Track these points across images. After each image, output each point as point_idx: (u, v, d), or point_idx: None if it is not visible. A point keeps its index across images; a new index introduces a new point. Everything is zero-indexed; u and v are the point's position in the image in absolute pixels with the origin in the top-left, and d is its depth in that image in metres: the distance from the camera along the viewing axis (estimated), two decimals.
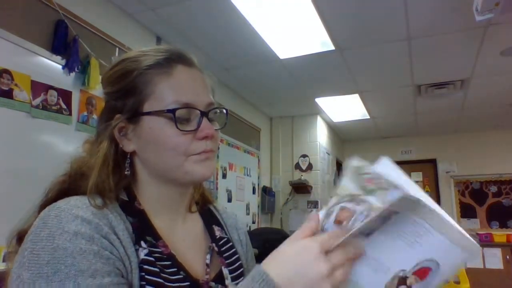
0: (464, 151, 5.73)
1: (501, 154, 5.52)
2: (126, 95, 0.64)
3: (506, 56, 3.25)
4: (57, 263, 0.50)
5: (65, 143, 1.99)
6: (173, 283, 0.59)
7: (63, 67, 2.05)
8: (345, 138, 6.39)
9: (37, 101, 1.90)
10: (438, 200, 5.67)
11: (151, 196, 0.66)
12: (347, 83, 3.93)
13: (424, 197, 0.48)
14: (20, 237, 0.58)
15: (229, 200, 3.91)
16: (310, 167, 4.96)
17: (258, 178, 4.65)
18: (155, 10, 2.60)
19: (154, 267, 0.58)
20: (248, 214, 4.32)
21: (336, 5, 2.54)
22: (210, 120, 0.65)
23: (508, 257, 5.07)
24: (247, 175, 4.36)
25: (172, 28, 2.82)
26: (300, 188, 4.83)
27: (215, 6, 2.53)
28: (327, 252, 0.48)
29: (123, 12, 2.61)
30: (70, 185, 0.62)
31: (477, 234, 5.25)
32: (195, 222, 0.74)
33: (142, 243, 0.60)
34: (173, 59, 0.65)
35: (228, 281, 0.67)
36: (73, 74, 2.10)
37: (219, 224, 0.78)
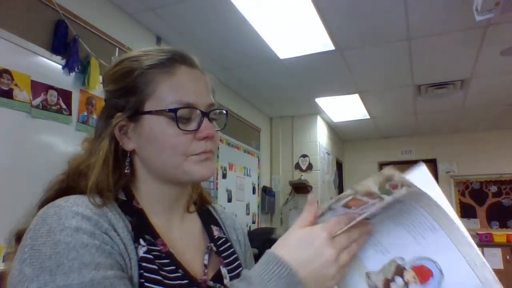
0: (464, 151, 5.73)
1: (501, 154, 5.53)
2: (128, 93, 0.64)
3: (506, 56, 3.25)
4: (60, 257, 0.50)
5: (65, 143, 1.99)
6: (172, 281, 0.59)
7: (63, 67, 2.05)
8: (345, 138, 6.39)
9: (37, 101, 1.90)
10: None
11: (150, 195, 0.67)
12: (347, 83, 3.93)
13: (449, 211, 0.49)
14: (19, 236, 0.58)
15: (229, 200, 3.91)
16: (310, 167, 4.97)
17: (258, 178, 4.65)
18: (155, 10, 2.60)
19: (153, 264, 0.59)
20: (248, 214, 4.32)
21: (336, 5, 2.54)
22: (210, 121, 0.66)
23: (508, 257, 5.07)
24: (247, 175, 4.36)
25: (172, 28, 2.82)
26: (300, 188, 4.83)
27: (215, 6, 2.53)
28: (333, 238, 0.52)
29: (123, 12, 2.61)
30: (69, 184, 0.63)
31: (477, 234, 5.25)
32: (193, 222, 0.74)
33: (141, 241, 0.60)
34: (176, 60, 0.66)
35: (226, 280, 0.67)
36: (73, 74, 2.10)
37: (217, 224, 0.78)
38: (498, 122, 5.26)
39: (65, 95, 2.05)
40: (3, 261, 1.58)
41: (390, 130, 5.79)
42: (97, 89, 2.19)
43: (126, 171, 0.65)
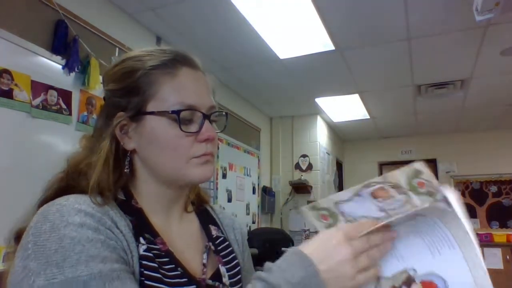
0: (464, 151, 5.73)
1: (501, 154, 5.53)
2: (130, 93, 0.64)
3: (506, 56, 3.25)
4: (66, 251, 0.50)
5: (65, 143, 1.99)
6: (171, 279, 0.59)
7: (63, 67, 2.05)
8: (345, 138, 6.39)
9: (37, 101, 1.90)
10: None
11: (149, 195, 0.67)
12: (347, 83, 3.93)
13: (469, 232, 0.50)
14: (18, 236, 0.58)
15: (229, 200, 3.91)
16: (310, 167, 4.97)
17: (258, 178, 4.65)
18: (155, 10, 2.60)
19: (153, 263, 0.59)
20: (248, 214, 4.32)
21: (336, 5, 2.54)
22: (210, 123, 0.66)
23: (508, 257, 5.07)
24: (247, 175, 4.36)
25: (172, 28, 2.82)
26: (300, 188, 4.83)
27: (215, 6, 2.53)
28: (352, 239, 0.53)
29: (123, 12, 2.61)
30: (68, 183, 0.63)
31: (477, 234, 5.25)
32: (191, 222, 0.75)
33: (141, 240, 0.60)
34: (179, 61, 0.66)
35: (225, 279, 0.68)
36: (73, 74, 2.10)
37: (215, 224, 0.78)
38: (498, 122, 5.26)
39: (65, 95, 2.05)
40: (3, 261, 1.58)
41: (390, 130, 5.79)
42: (97, 89, 2.19)
43: (126, 170, 0.65)
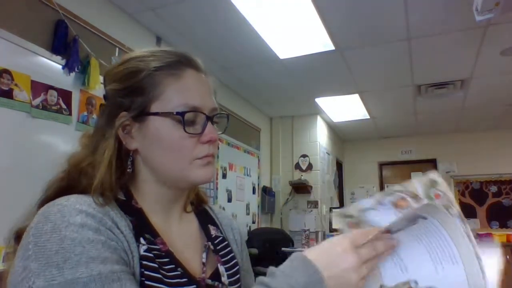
0: (464, 151, 5.73)
1: (501, 154, 5.53)
2: (134, 93, 0.64)
3: (506, 56, 3.25)
4: (66, 252, 0.50)
5: (65, 143, 1.99)
6: (172, 279, 0.60)
7: (63, 67, 2.05)
8: (345, 138, 6.39)
9: (37, 101, 1.90)
10: None
11: (150, 195, 0.67)
12: (347, 83, 3.94)
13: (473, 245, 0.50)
14: (18, 235, 0.58)
15: (229, 200, 3.91)
16: (310, 167, 4.97)
17: (258, 178, 4.65)
18: (155, 10, 2.60)
19: (153, 263, 0.59)
20: (248, 214, 4.32)
21: (336, 5, 2.54)
22: (212, 124, 0.67)
23: (508, 257, 5.07)
24: (247, 175, 4.36)
25: (172, 28, 2.82)
26: (300, 188, 4.84)
27: (215, 6, 2.53)
28: (357, 247, 0.52)
29: (123, 12, 2.61)
30: (69, 182, 0.63)
31: (477, 234, 5.25)
32: (191, 222, 0.75)
33: (142, 240, 0.61)
34: (183, 63, 0.66)
35: (224, 278, 0.68)
36: (73, 74, 2.10)
37: (214, 224, 0.79)
38: (498, 122, 5.26)
39: (65, 95, 2.05)
40: (3, 261, 1.58)
41: (390, 130, 5.79)
42: (97, 89, 2.19)
43: (128, 170, 0.66)
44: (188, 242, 0.70)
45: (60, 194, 0.59)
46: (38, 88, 1.90)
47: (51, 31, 2.02)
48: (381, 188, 6.23)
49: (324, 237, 4.34)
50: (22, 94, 1.83)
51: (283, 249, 3.89)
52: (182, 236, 0.70)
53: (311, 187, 4.84)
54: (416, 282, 0.53)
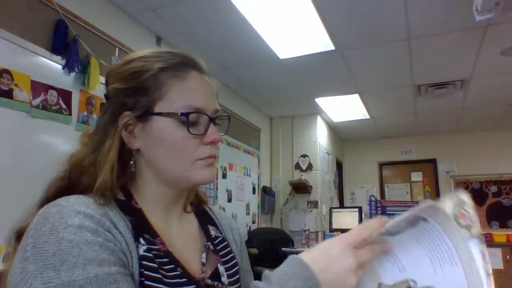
0: (464, 151, 5.73)
1: (501, 154, 5.53)
2: (138, 93, 0.65)
3: (506, 56, 3.25)
4: (64, 254, 0.50)
5: (65, 143, 1.99)
6: (171, 279, 0.60)
7: (63, 67, 2.05)
8: (345, 138, 6.39)
9: (37, 101, 1.90)
10: None
11: (150, 195, 0.67)
12: (347, 83, 3.94)
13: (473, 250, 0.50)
14: (19, 235, 0.58)
15: (229, 200, 3.91)
16: (310, 167, 4.97)
17: (258, 178, 4.65)
18: (155, 10, 2.60)
19: (152, 263, 0.59)
20: (248, 214, 4.32)
21: (336, 5, 2.54)
22: (215, 126, 0.67)
23: (508, 257, 5.07)
24: (247, 175, 4.36)
25: (172, 28, 2.82)
26: (300, 188, 4.84)
27: (215, 6, 2.53)
28: (356, 248, 0.52)
29: (123, 12, 2.61)
30: (70, 182, 0.63)
31: None
32: (190, 222, 0.75)
33: (141, 240, 0.61)
34: (187, 64, 0.67)
35: (224, 278, 0.68)
36: (73, 74, 2.10)
37: (214, 224, 0.79)
38: (498, 122, 5.26)
39: (65, 95, 2.05)
40: (3, 261, 1.58)
41: (390, 130, 5.79)
42: (97, 89, 2.19)
43: (132, 169, 0.66)
44: (187, 242, 0.70)
45: (61, 194, 0.59)
46: (38, 88, 1.90)
47: (51, 31, 2.02)
48: (381, 188, 6.24)
49: (324, 237, 4.34)
50: (22, 94, 1.83)
51: (283, 249, 3.89)
52: (182, 236, 0.70)
53: (311, 187, 4.84)
54: (414, 281, 0.53)
